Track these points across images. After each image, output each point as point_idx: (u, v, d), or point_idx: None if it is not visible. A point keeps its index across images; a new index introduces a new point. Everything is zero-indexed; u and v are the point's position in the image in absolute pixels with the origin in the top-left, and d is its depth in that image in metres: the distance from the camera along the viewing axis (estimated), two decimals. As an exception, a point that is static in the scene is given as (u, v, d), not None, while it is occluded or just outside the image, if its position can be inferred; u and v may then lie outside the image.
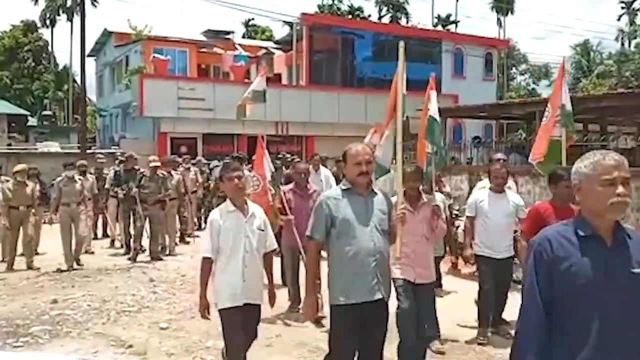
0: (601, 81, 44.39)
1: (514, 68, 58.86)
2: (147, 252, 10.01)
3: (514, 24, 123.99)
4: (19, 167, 9.57)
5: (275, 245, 4.43)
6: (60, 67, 49.88)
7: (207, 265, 4.14)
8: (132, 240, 10.10)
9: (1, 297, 7.47)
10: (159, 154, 20.20)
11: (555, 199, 4.87)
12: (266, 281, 4.41)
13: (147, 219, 9.88)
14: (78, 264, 9.33)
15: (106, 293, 7.56)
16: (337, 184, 7.80)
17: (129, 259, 9.78)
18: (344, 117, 23.82)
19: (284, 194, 6.60)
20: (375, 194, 3.74)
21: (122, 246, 10.65)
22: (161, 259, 9.85)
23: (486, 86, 28.18)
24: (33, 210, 9.47)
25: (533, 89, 55.96)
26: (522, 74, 60.71)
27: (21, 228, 9.31)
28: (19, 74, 48.63)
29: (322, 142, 23.18)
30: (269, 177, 6.80)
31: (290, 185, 6.76)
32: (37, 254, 9.95)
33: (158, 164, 10.20)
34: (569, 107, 6.58)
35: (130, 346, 5.55)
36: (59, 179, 9.61)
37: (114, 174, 10.79)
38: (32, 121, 35.04)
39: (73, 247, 9.33)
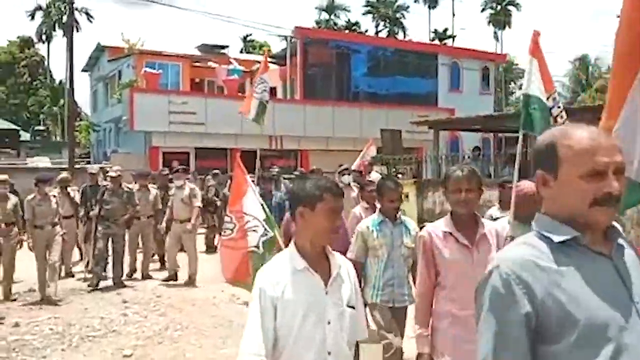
0: (600, 95, 44.11)
1: (512, 83, 58.69)
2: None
3: (512, 39, 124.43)
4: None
5: (367, 334, 2.44)
6: (57, 82, 49.69)
7: None
8: (93, 263, 8.90)
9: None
10: (151, 168, 19.89)
11: None
12: None
13: (110, 239, 8.83)
14: (51, 300, 7.78)
15: (73, 316, 7.10)
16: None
17: (89, 285, 8.63)
18: (338, 131, 23.52)
19: (288, 224, 4.78)
20: (622, 245, 1.52)
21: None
22: (125, 286, 8.78)
23: (483, 100, 27.82)
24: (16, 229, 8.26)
25: (532, 103, 55.80)
26: (521, 88, 60.55)
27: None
28: (15, 90, 48.61)
29: (317, 156, 22.85)
30: (258, 214, 4.99)
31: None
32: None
33: (115, 174, 9.12)
34: None
35: (87, 376, 5.12)
36: (30, 197, 8.21)
37: (81, 191, 9.92)
38: (26, 136, 34.72)
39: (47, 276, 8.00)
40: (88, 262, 9.56)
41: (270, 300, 2.11)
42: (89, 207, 9.39)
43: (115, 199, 8.92)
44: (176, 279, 9.09)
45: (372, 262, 4.18)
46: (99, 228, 8.88)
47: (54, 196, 8.53)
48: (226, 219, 5.36)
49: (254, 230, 4.91)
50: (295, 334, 2.11)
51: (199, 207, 9.44)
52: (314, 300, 2.14)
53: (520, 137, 4.04)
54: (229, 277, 5.23)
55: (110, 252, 8.95)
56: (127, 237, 9.51)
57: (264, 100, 8.82)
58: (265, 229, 4.96)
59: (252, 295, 2.17)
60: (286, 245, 4.48)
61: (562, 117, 3.90)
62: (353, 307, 2.24)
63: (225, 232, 5.29)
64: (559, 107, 3.93)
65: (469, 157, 15.86)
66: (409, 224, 4.31)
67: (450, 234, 3.05)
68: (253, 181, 11.72)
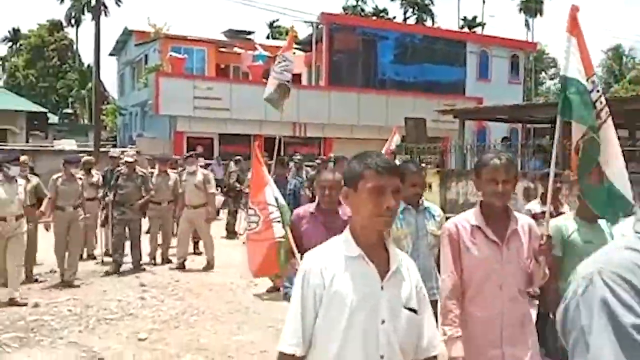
0: (634, 87, 43.04)
1: (543, 72, 57.62)
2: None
3: (544, 27, 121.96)
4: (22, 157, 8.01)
5: (438, 349, 2.06)
6: (85, 66, 50.22)
7: None
8: (111, 250, 8.95)
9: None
10: (175, 153, 19.96)
11: None
12: None
13: (127, 225, 8.78)
14: (71, 283, 7.77)
15: (92, 297, 7.15)
16: None
17: (107, 272, 8.52)
18: (364, 119, 23.36)
19: (298, 220, 4.11)
20: None
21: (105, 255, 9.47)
22: (144, 270, 8.75)
23: (512, 89, 27.32)
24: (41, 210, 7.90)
25: (562, 93, 54.63)
26: (552, 79, 59.38)
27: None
28: (44, 73, 49.22)
29: (341, 144, 22.76)
30: (275, 202, 4.49)
31: (309, 207, 4.14)
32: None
33: (131, 159, 9.00)
34: None
35: (101, 359, 5.11)
36: (55, 176, 8.14)
37: (102, 175, 9.85)
38: (54, 119, 35.20)
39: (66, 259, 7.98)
40: (107, 249, 9.54)
41: (313, 288, 1.88)
42: (105, 192, 9.38)
43: (130, 183, 8.81)
44: (184, 267, 8.99)
45: None
46: (115, 214, 8.85)
47: (80, 178, 8.42)
48: (250, 211, 4.87)
49: (278, 221, 4.44)
50: (342, 328, 1.84)
51: (214, 193, 9.37)
52: (369, 292, 1.87)
53: (558, 124, 3.72)
54: (254, 270, 4.76)
55: (127, 237, 8.92)
56: (148, 222, 9.56)
57: (284, 80, 7.86)
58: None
59: (296, 280, 1.95)
60: (296, 244, 3.95)
61: (601, 102, 3.56)
62: (415, 312, 1.93)
63: (250, 225, 4.74)
64: (598, 92, 3.59)
65: (494, 147, 15.29)
66: (432, 209, 3.94)
67: (479, 228, 2.81)
68: (269, 167, 11.46)
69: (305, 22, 28.36)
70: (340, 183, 2.97)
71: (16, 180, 6.99)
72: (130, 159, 9.03)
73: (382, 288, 1.89)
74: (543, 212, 4.44)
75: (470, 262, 2.83)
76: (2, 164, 6.86)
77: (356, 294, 1.86)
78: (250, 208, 4.88)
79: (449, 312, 2.83)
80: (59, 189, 8.02)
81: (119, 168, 9.25)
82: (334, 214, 3.78)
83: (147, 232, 9.82)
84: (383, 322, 1.86)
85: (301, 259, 2.68)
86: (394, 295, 1.90)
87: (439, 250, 3.34)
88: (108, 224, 9.37)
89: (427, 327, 2.00)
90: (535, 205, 5.60)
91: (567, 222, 3.92)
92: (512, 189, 2.81)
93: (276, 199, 4.47)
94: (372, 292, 1.87)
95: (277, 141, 9.21)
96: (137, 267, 8.80)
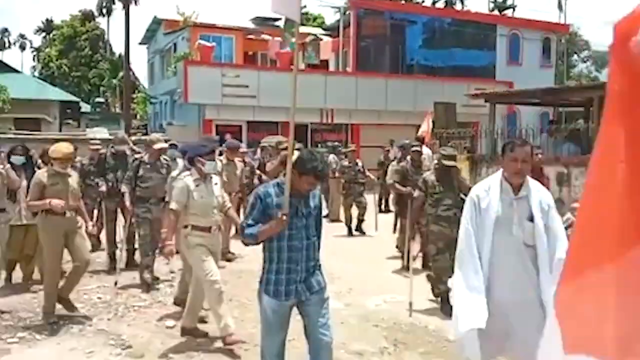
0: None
1: (575, 55, 56.24)
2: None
3: (577, 8, 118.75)
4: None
5: None
6: (116, 55, 50.88)
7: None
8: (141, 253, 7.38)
9: (19, 285, 7.23)
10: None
11: None
12: None
13: (151, 225, 7.12)
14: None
15: (122, 285, 7.22)
16: None
17: (144, 286, 7.08)
18: (391, 104, 23.13)
19: None
20: None
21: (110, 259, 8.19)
22: (156, 281, 7.33)
23: (544, 73, 26.72)
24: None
25: (595, 77, 53.28)
26: (584, 62, 57.97)
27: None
28: (77, 63, 50.13)
29: (368, 130, 22.68)
30: None
31: None
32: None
33: (164, 145, 7.45)
34: None
35: (129, 347, 5.16)
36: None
37: (97, 160, 8.70)
38: (86, 108, 35.74)
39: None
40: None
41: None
42: (112, 179, 8.31)
43: (155, 175, 7.20)
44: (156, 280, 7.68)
45: None
46: (137, 211, 7.23)
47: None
48: None
49: None
50: None
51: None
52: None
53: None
54: None
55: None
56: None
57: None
58: None
59: None
60: None
61: None
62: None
63: None
64: None
65: (528, 132, 14.40)
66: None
67: None
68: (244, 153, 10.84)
69: (333, 7, 28.12)
70: None
71: (211, 178, 5.47)
72: (162, 145, 7.35)
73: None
74: None
75: None
76: (194, 158, 5.39)
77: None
78: None
79: None
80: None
81: (138, 155, 7.83)
82: None
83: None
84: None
85: None
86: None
87: None
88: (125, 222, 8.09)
89: None
90: None
91: None
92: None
93: None
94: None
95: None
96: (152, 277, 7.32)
